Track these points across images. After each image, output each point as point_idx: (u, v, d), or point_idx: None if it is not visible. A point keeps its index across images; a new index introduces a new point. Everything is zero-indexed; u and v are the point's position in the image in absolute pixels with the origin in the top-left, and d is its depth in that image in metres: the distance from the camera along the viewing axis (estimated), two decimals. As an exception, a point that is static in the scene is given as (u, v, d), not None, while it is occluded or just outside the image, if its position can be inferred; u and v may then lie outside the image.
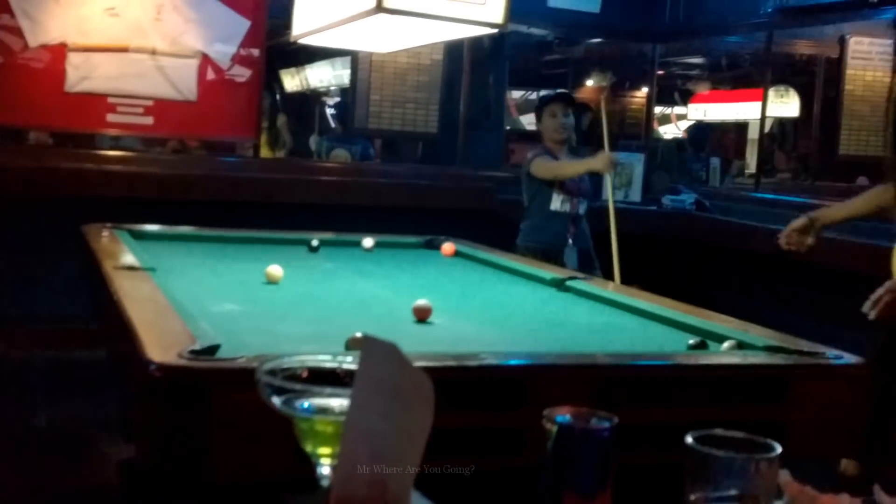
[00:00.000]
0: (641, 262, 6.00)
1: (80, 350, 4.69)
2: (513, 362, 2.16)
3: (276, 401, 0.87)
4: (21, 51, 5.68)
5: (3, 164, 5.54)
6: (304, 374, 0.89)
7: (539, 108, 4.98)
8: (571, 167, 4.78)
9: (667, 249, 6.09)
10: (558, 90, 5.66)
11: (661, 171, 6.68)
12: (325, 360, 0.93)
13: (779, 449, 0.92)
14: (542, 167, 4.75)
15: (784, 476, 0.97)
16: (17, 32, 5.66)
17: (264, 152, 7.64)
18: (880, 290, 2.78)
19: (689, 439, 0.91)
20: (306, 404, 0.86)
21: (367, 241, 4.15)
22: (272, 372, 0.88)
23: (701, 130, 8.72)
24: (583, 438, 0.93)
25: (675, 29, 7.21)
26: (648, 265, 5.99)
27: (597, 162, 4.66)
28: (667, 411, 2.05)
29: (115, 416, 3.65)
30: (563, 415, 0.95)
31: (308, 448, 0.87)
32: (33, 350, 5.33)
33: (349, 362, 0.89)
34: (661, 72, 8.60)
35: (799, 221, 3.40)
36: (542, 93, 6.13)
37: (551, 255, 4.57)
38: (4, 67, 5.66)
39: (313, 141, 8.46)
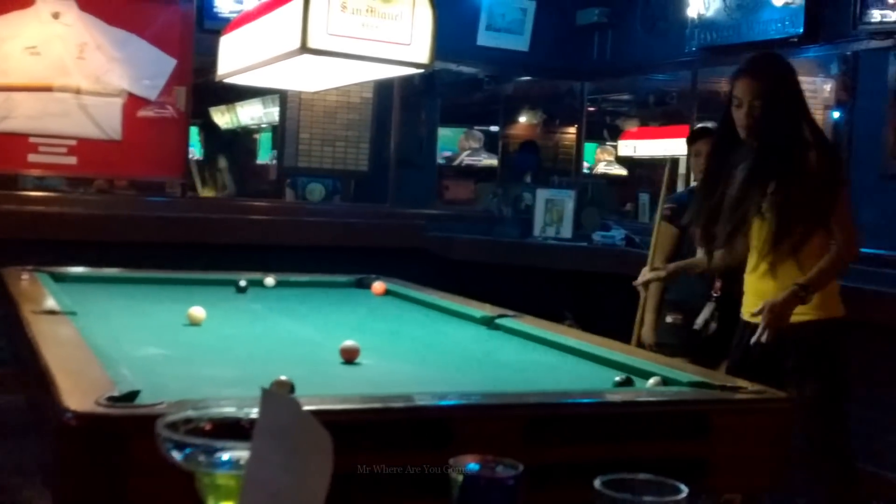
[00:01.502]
0: (572, 299, 6.05)
1: (1, 395, 4.55)
2: (439, 403, 2.15)
3: (177, 455, 0.85)
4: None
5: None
6: (208, 427, 0.87)
7: (688, 144, 4.43)
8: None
9: (598, 286, 6.13)
10: (703, 125, 4.81)
11: (592, 208, 6.75)
12: (230, 412, 0.91)
13: (685, 491, 0.92)
14: (657, 238, 4.23)
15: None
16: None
17: (206, 194, 7.56)
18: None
19: (596, 483, 0.91)
20: (224, 458, 0.84)
21: (269, 280, 4.13)
22: (173, 425, 0.86)
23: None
24: (488, 487, 0.92)
25: (603, 67, 7.34)
26: (579, 302, 6.04)
27: (643, 328, 4.17)
28: (594, 449, 2.05)
29: (35, 463, 3.54)
30: (470, 463, 0.94)
31: (210, 503, 0.85)
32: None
33: (254, 414, 0.88)
34: (591, 108, 8.73)
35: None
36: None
37: (691, 312, 4.14)
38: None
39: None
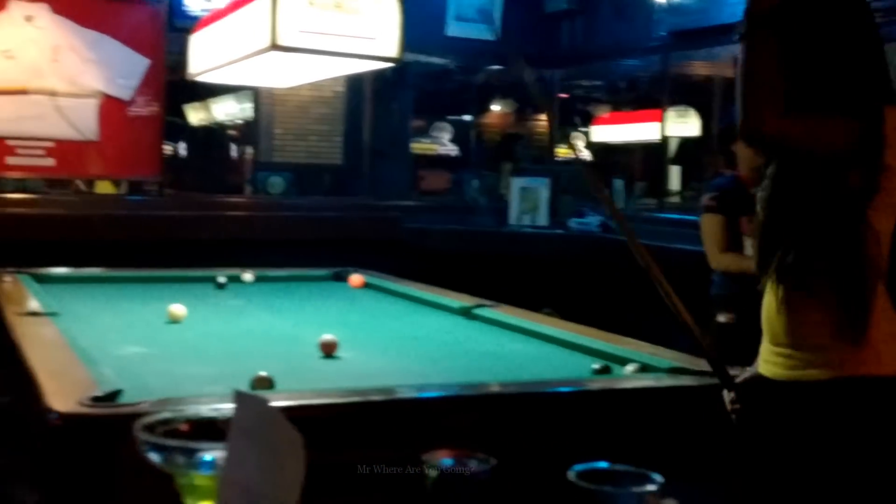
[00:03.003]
0: (550, 287, 6.09)
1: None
2: (419, 395, 2.18)
3: (156, 457, 0.88)
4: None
5: None
6: (185, 428, 0.90)
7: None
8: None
9: (575, 273, 6.18)
10: None
11: (567, 195, 6.79)
12: (206, 412, 0.94)
13: (660, 480, 0.94)
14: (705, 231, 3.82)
15: (670, 504, 0.98)
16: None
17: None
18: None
19: (570, 475, 0.92)
20: (204, 458, 0.87)
21: (248, 276, 4.15)
22: (151, 427, 0.89)
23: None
24: (461, 482, 0.94)
25: (573, 54, 7.37)
26: (557, 290, 6.08)
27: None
28: (574, 437, 2.08)
29: (23, 464, 3.56)
30: (443, 458, 0.97)
31: (188, 503, 0.88)
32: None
33: (229, 413, 0.91)
34: (564, 95, 8.75)
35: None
36: None
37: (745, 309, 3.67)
38: None
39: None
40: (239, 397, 0.80)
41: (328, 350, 2.65)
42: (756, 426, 1.97)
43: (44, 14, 5.81)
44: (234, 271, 4.17)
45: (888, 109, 1.79)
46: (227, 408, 0.90)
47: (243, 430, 0.79)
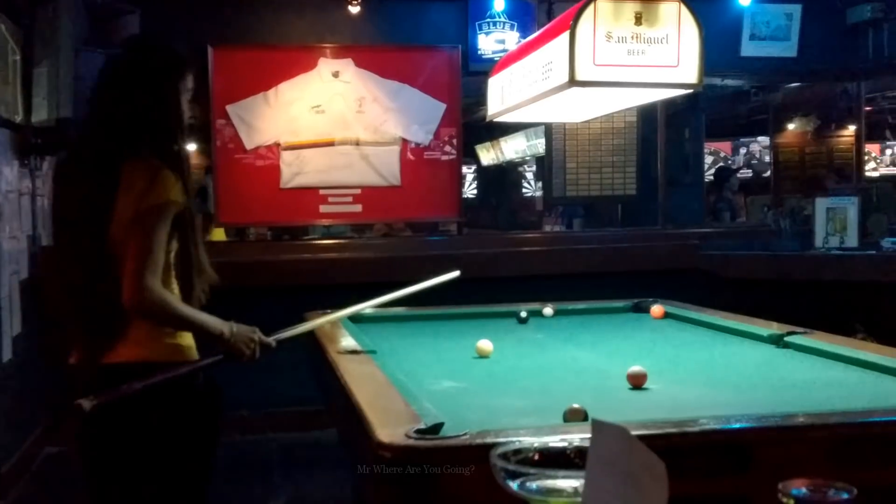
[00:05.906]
0: (865, 311, 5.70)
1: (312, 431, 4.90)
2: (736, 426, 2.10)
3: (512, 484, 0.90)
4: (239, 154, 6.14)
5: (228, 260, 5.93)
6: (536, 457, 0.93)
7: None
8: None
9: (890, 295, 5.75)
10: None
11: (878, 213, 6.34)
12: (555, 441, 0.96)
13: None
14: None
15: None
16: (235, 137, 6.12)
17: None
18: None
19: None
20: (537, 485, 0.89)
21: (548, 310, 4.18)
22: (504, 456, 0.92)
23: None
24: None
25: (880, 64, 6.91)
26: (873, 314, 5.69)
27: None
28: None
29: (349, 493, 3.78)
30: (799, 487, 0.94)
31: (543, 528, 0.90)
32: (268, 433, 5.63)
33: (577, 442, 0.92)
34: (868, 108, 8.23)
35: None
36: None
37: None
38: (226, 170, 6.12)
39: None
40: (596, 426, 0.82)
41: (637, 382, 2.62)
42: None
43: (349, 69, 6.26)
44: (534, 305, 4.23)
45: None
46: (575, 437, 0.92)
47: (601, 458, 0.80)
